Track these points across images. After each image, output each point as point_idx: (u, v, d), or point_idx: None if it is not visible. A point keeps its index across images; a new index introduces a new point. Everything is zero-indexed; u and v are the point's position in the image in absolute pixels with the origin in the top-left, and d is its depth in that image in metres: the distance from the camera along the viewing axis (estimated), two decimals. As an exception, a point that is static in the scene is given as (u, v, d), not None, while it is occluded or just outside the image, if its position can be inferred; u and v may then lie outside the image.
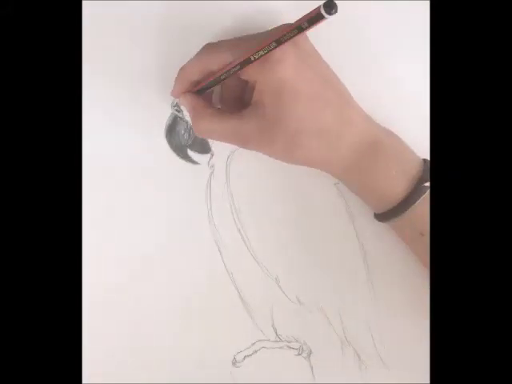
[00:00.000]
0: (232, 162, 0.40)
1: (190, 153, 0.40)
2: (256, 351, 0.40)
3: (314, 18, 0.29)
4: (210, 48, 0.36)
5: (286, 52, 0.33)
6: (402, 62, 0.40)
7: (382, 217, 0.37)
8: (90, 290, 0.38)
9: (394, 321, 0.40)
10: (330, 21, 0.29)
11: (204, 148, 0.40)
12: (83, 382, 0.33)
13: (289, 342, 0.41)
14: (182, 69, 0.37)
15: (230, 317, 0.40)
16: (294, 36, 0.31)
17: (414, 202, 0.35)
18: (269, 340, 0.40)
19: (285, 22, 0.34)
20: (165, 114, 0.39)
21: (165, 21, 0.39)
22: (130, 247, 0.40)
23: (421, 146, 0.36)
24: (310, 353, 0.40)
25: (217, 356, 0.40)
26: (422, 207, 0.35)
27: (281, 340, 0.41)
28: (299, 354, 0.40)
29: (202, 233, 0.40)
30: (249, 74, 0.34)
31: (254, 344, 0.40)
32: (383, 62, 0.40)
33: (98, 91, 0.39)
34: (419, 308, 0.39)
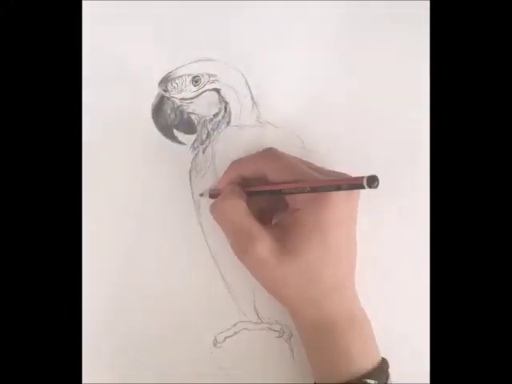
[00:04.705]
0: (216, 143, 0.40)
1: (176, 133, 0.39)
2: (237, 332, 0.41)
3: (354, 186, 0.30)
4: (271, 155, 0.36)
5: (339, 201, 0.33)
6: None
7: None
8: (89, 288, 0.39)
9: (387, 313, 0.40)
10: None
11: (190, 128, 0.40)
12: (83, 382, 0.33)
13: (270, 324, 0.41)
14: (235, 162, 0.38)
15: (212, 298, 0.40)
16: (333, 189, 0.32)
17: None
18: (250, 321, 0.41)
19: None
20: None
21: (163, 20, 0.39)
22: (116, 235, 0.40)
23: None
24: (291, 335, 0.41)
25: (198, 336, 0.40)
26: None
27: (262, 322, 0.41)
28: (280, 336, 0.41)
29: (187, 215, 0.40)
30: (296, 198, 0.35)
31: (235, 325, 0.41)
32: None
33: (97, 88, 0.39)
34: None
